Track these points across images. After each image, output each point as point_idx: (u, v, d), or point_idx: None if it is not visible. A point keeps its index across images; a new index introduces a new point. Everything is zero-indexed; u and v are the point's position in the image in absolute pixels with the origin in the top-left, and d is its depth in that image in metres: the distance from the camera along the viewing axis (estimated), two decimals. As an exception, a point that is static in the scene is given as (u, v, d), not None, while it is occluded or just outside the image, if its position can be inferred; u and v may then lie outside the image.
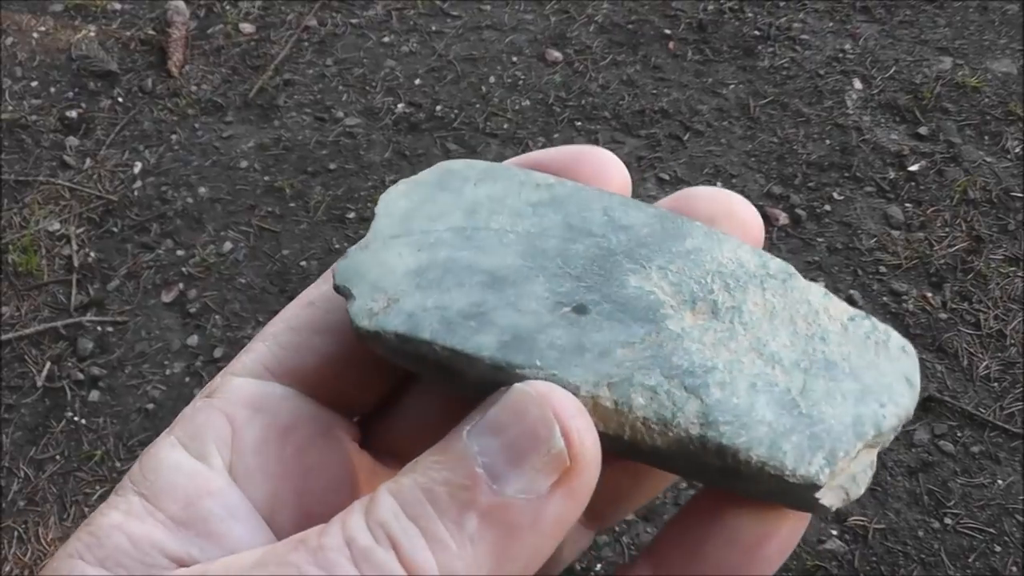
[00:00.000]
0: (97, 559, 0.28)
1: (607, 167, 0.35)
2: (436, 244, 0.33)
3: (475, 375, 0.30)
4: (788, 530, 0.31)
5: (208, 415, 0.31)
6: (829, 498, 0.30)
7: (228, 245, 2.10)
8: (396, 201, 0.35)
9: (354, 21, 2.64)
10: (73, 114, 2.40)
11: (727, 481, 0.31)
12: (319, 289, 0.34)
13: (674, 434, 0.29)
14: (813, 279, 2.00)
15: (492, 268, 0.32)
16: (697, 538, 0.31)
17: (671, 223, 0.34)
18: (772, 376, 0.31)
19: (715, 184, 2.18)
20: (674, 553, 0.32)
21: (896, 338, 0.33)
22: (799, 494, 0.30)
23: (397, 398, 0.36)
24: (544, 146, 2.26)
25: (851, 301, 1.96)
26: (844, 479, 0.30)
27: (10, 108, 2.42)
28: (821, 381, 0.31)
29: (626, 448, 0.30)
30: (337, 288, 0.32)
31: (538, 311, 0.31)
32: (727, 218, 0.35)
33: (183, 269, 2.06)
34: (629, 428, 0.29)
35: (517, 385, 0.27)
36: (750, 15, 2.63)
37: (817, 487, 0.29)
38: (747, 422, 0.29)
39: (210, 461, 0.30)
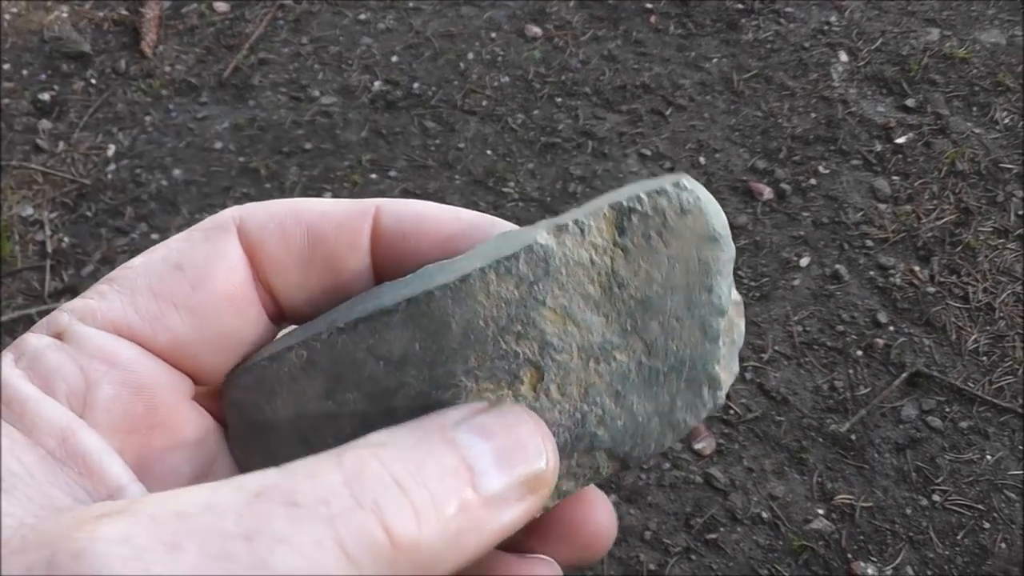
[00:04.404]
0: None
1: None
2: None
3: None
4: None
5: (60, 359, 0.30)
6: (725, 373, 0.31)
7: (203, 228, 2.06)
8: None
9: (330, -2, 2.59)
10: (46, 96, 2.35)
11: None
12: (193, 251, 0.33)
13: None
14: (798, 254, 1.97)
15: None
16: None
17: None
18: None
19: (699, 159, 2.14)
20: None
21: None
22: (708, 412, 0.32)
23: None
24: (524, 123, 2.22)
25: (837, 276, 1.93)
26: (730, 352, 0.31)
27: (-20, 92, 2.37)
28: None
29: None
30: None
31: None
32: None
33: (157, 253, 2.02)
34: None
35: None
36: (734, -13, 2.58)
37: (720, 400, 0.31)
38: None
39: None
